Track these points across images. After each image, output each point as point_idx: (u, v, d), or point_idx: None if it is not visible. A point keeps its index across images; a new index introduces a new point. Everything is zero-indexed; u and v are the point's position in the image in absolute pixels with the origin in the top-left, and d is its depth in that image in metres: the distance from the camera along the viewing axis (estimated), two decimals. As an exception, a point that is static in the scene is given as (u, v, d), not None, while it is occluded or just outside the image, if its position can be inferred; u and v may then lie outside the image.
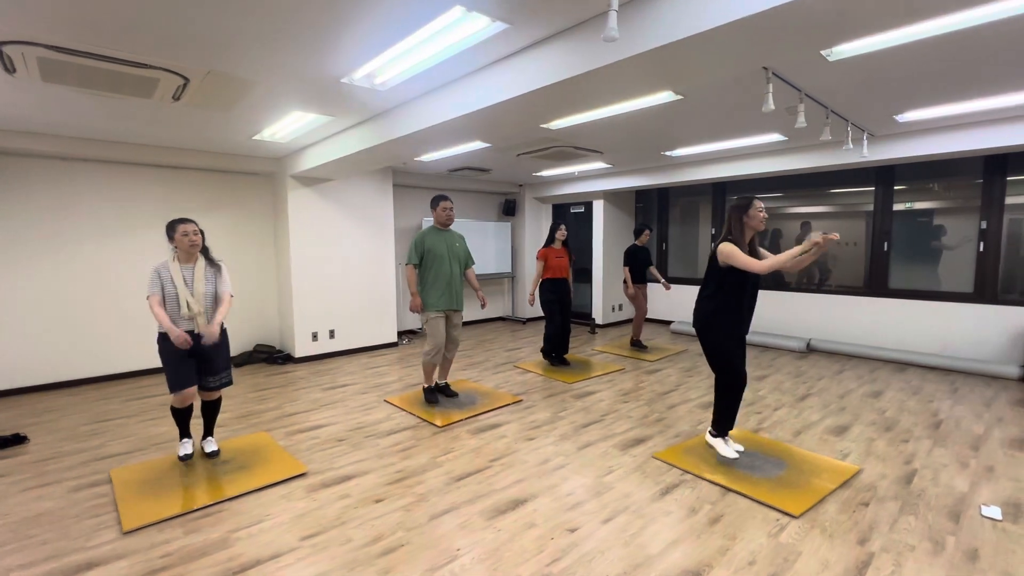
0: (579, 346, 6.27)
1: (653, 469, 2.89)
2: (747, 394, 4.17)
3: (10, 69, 2.72)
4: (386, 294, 6.28)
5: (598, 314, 7.68)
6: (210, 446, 3.09)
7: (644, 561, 2.07)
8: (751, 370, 4.94)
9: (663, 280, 5.95)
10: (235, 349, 5.44)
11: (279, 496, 2.63)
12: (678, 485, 2.70)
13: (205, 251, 2.94)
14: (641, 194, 8.03)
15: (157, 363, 4.18)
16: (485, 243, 7.73)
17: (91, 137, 4.33)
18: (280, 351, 5.75)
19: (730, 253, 2.69)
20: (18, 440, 3.36)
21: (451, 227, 4.05)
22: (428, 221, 4.13)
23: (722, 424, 3.03)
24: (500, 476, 2.82)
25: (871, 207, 5.67)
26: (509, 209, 8.25)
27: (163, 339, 2.83)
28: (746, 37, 1.92)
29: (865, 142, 4.48)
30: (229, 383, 3.05)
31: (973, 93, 3.43)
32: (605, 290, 7.63)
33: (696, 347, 5.96)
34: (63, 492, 2.70)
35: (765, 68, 2.79)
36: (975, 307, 4.97)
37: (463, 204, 7.79)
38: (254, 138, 4.39)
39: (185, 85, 3.01)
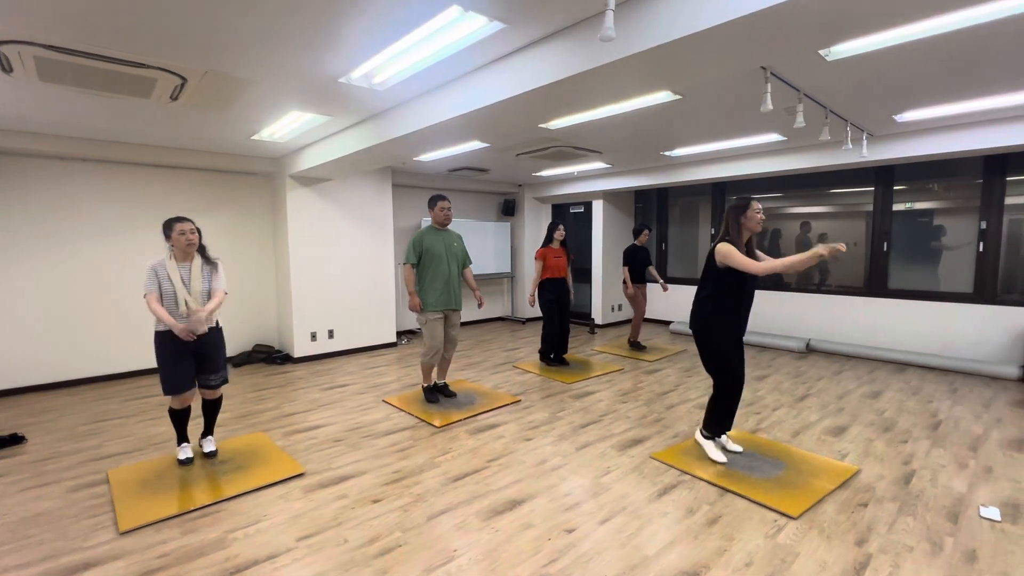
0: (578, 346, 6.27)
1: (651, 470, 2.89)
2: (746, 394, 4.17)
3: (7, 69, 2.72)
4: (385, 294, 6.27)
5: (597, 314, 7.68)
6: (209, 445, 3.09)
7: (641, 562, 2.07)
8: (750, 370, 4.93)
9: (661, 281, 5.96)
10: (234, 349, 5.44)
11: (276, 496, 2.63)
12: (676, 486, 2.70)
13: (202, 249, 2.94)
14: (640, 194, 8.02)
15: (155, 363, 4.16)
16: (484, 243, 7.72)
17: (90, 137, 4.33)
18: (279, 351, 5.75)
19: (728, 253, 2.68)
20: (16, 440, 3.36)
21: (449, 227, 4.05)
22: (427, 221, 4.12)
23: (714, 425, 3.00)
24: (498, 476, 2.82)
25: (871, 207, 5.67)
26: (508, 209, 8.24)
27: (160, 339, 2.83)
28: (743, 36, 1.92)
29: (864, 142, 4.47)
30: (226, 381, 3.06)
31: (972, 93, 3.43)
32: (604, 290, 7.63)
33: (695, 347, 5.94)
34: (61, 492, 2.70)
35: (763, 68, 2.79)
36: (975, 307, 4.97)
37: (462, 204, 7.78)
38: (252, 138, 4.39)
39: (183, 85, 3.01)
